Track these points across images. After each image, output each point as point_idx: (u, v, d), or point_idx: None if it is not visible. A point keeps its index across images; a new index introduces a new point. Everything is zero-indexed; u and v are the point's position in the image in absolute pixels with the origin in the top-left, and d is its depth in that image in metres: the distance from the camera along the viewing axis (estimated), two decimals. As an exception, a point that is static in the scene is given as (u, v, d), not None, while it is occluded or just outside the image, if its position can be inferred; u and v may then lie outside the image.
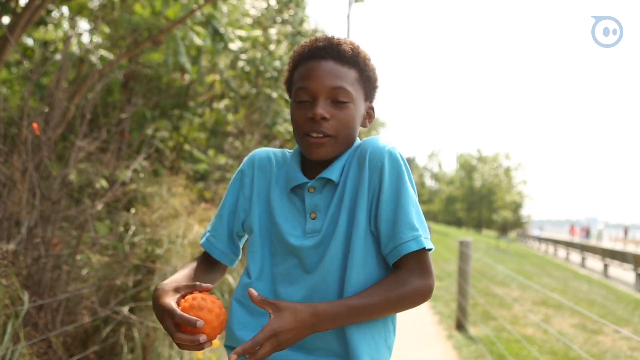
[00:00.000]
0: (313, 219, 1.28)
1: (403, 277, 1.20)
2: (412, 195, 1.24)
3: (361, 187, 1.25)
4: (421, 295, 1.21)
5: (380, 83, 1.37)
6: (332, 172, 1.27)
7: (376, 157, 1.24)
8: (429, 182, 62.27)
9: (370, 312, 1.19)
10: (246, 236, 1.44)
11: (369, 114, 1.37)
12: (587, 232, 46.59)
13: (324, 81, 1.23)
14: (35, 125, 2.94)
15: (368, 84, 1.32)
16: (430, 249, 1.23)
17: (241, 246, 1.45)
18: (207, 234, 1.44)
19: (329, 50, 1.25)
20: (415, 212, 1.23)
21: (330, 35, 1.30)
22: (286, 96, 7.13)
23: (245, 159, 1.41)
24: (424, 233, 1.22)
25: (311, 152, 1.25)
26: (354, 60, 1.27)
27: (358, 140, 1.34)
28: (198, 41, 4.49)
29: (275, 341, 1.10)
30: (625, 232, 48.25)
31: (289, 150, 1.42)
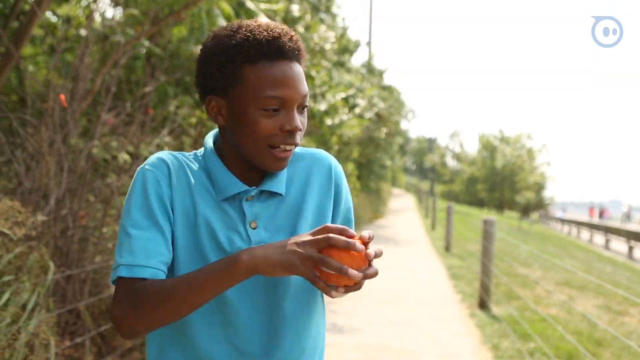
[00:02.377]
0: (254, 228, 1.14)
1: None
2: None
3: (327, 202, 1.23)
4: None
5: None
6: (279, 185, 1.18)
7: (339, 177, 1.26)
8: (451, 162, 61.80)
9: None
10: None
11: None
12: (600, 213, 46.22)
13: (298, 89, 1.10)
14: (62, 96, 2.96)
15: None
16: None
17: None
18: (154, 262, 1.07)
19: (295, 51, 1.12)
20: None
21: (281, 28, 1.12)
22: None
23: (152, 162, 1.14)
24: None
25: (275, 166, 1.13)
26: (303, 56, 1.16)
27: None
28: (222, 22, 4.46)
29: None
30: (601, 214, 47.68)
31: (191, 153, 1.23)
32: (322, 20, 7.44)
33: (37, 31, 5.42)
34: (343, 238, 0.95)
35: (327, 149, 10.64)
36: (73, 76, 3.63)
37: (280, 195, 1.18)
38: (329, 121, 9.34)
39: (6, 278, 2.60)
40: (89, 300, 3.07)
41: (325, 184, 1.23)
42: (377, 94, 14.31)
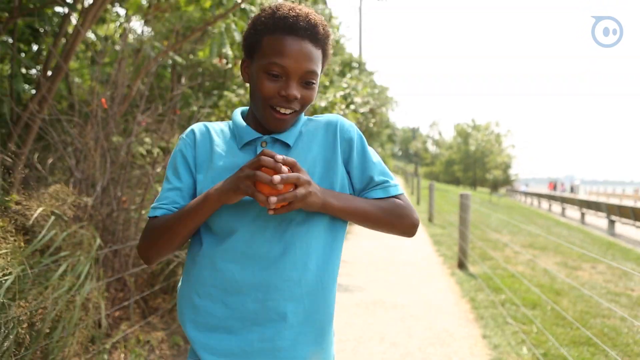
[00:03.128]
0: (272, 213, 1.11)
1: (401, 205, 1.17)
2: (378, 157, 1.23)
3: (334, 154, 1.16)
4: (412, 225, 1.18)
5: (330, 56, 1.22)
6: (289, 137, 1.15)
7: (348, 131, 1.18)
8: (431, 148, 61.56)
9: (367, 217, 1.13)
10: None
11: None
12: (554, 186, 46.06)
13: (300, 63, 1.08)
14: (103, 100, 2.94)
15: (326, 61, 1.19)
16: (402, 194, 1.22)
17: None
18: (166, 205, 1.15)
19: (308, 31, 1.09)
20: (383, 166, 1.21)
21: (305, 12, 1.12)
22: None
23: (185, 132, 1.22)
24: (395, 182, 1.21)
25: (274, 125, 1.12)
26: (324, 41, 1.14)
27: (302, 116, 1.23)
28: (238, 37, 4.41)
29: (310, 186, 1.02)
30: (554, 186, 47.15)
31: (226, 122, 1.25)
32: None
33: (80, 47, 5.39)
34: (265, 158, 0.98)
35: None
36: (112, 84, 3.60)
37: (289, 146, 1.15)
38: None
39: (63, 253, 2.60)
40: (132, 271, 3.07)
41: (331, 140, 1.17)
42: (370, 92, 14.19)
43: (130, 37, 5.18)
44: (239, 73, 6.51)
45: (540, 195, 27.40)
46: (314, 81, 1.12)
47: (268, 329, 1.07)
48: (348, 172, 1.18)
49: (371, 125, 14.06)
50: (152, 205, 1.17)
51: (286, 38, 1.08)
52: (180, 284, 1.20)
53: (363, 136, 1.22)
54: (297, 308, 1.08)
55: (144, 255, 1.15)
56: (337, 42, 9.05)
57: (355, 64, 13.89)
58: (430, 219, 11.53)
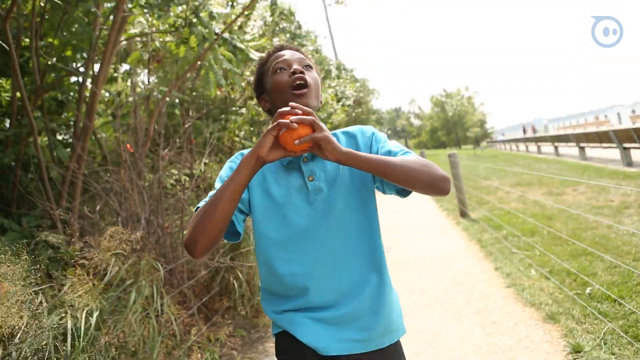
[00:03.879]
0: (311, 180, 1.12)
1: (425, 160, 1.10)
2: (386, 140, 1.22)
3: (359, 149, 1.18)
4: (443, 177, 1.05)
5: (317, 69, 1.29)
6: None
7: (367, 130, 1.23)
8: (415, 122, 61.16)
9: (395, 167, 1.02)
10: (243, 217, 1.17)
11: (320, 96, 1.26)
12: (524, 130, 45.49)
13: (293, 55, 1.19)
14: (128, 146, 2.96)
15: (316, 70, 1.24)
16: None
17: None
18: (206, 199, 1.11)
19: (293, 48, 1.24)
20: (395, 144, 1.18)
21: (287, 43, 1.31)
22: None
23: (233, 158, 1.22)
24: None
25: (298, 100, 1.11)
26: (305, 54, 1.24)
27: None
28: (227, 65, 4.41)
29: (325, 131, 0.98)
30: (524, 130, 46.30)
31: None
32: (302, 45, 7.36)
33: (100, 106, 5.42)
34: (283, 109, 0.99)
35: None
36: (132, 131, 3.62)
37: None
38: (323, 115, 9.31)
39: (128, 282, 2.64)
40: (189, 283, 3.10)
41: (360, 142, 1.20)
42: (357, 88, 14.19)
43: (139, 87, 5.20)
44: (238, 96, 6.52)
45: (516, 140, 27.16)
46: (311, 66, 1.20)
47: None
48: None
49: (357, 113, 14.00)
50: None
51: (277, 52, 1.23)
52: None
53: (375, 130, 1.25)
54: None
55: (191, 241, 0.99)
56: (317, 51, 9.08)
57: (330, 67, 13.85)
58: (427, 182, 11.49)
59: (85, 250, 2.58)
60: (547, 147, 19.87)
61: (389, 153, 1.15)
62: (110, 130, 5.32)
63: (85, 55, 4.52)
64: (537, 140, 20.15)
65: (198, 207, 1.07)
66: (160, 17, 4.08)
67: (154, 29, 4.34)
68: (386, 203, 9.19)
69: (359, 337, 1.09)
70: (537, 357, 2.27)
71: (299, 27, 7.32)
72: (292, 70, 1.14)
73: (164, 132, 3.38)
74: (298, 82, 1.13)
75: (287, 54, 1.20)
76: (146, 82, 5.35)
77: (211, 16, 4.42)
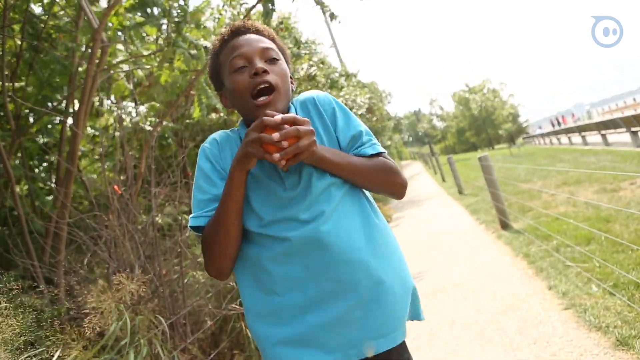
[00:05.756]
0: (286, 171, 1.13)
1: (390, 163, 1.17)
2: (360, 120, 1.24)
3: (326, 126, 1.19)
4: (402, 184, 1.18)
5: (288, 54, 1.26)
6: None
7: (323, 101, 1.21)
8: (438, 124, 60.87)
9: (360, 172, 1.13)
10: None
11: (291, 81, 1.25)
12: (558, 122, 44.57)
13: (254, 45, 1.13)
14: (115, 187, 2.93)
15: (284, 55, 1.22)
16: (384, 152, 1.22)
17: None
18: (209, 213, 1.14)
19: (247, 29, 1.18)
20: (367, 128, 1.22)
21: (247, 22, 1.19)
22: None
23: (207, 140, 1.23)
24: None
25: (259, 112, 1.10)
26: (269, 35, 1.20)
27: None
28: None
29: (313, 135, 1.03)
30: (556, 122, 45.15)
31: (232, 129, 1.27)
32: (299, 55, 7.37)
33: (85, 146, 5.47)
34: (266, 119, 1.00)
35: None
36: (121, 170, 3.60)
37: None
38: None
39: (123, 341, 2.56)
40: (193, 338, 3.01)
41: (318, 114, 1.20)
42: (365, 94, 14.20)
43: (126, 120, 5.23)
44: (236, 118, 6.53)
45: (556, 133, 26.71)
46: (277, 57, 1.15)
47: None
48: (337, 138, 1.19)
49: (372, 123, 13.99)
50: (192, 215, 1.15)
51: (234, 39, 1.16)
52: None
53: (340, 102, 1.24)
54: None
55: (214, 268, 1.11)
56: (323, 62, 9.15)
57: (336, 76, 13.95)
58: (460, 192, 11.29)
59: (73, 310, 2.53)
60: (593, 137, 19.43)
61: (358, 139, 1.18)
62: (97, 171, 5.35)
63: (65, 92, 4.58)
64: (580, 129, 19.76)
65: (194, 226, 1.13)
66: (136, 40, 4.10)
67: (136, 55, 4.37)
68: (414, 219, 9.02)
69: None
70: (612, 394, 2.10)
71: (298, 41, 7.36)
72: (253, 70, 1.10)
73: (155, 167, 3.34)
74: (261, 86, 1.10)
75: (245, 43, 1.14)
76: (134, 114, 5.39)
77: (198, 26, 4.44)
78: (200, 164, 1.18)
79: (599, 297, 3.07)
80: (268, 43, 1.16)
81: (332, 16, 4.16)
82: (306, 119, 1.03)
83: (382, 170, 1.15)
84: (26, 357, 2.05)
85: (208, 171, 1.16)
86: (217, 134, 1.23)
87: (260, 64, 1.11)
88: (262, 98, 1.10)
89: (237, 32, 1.17)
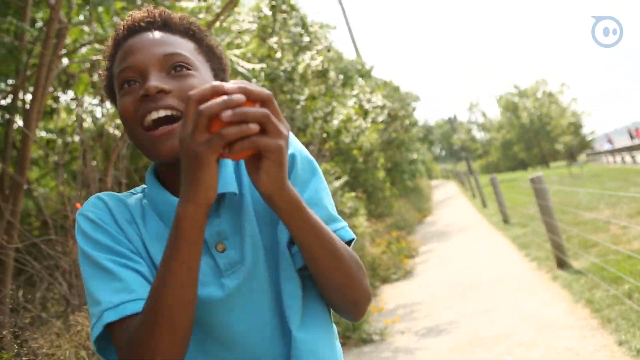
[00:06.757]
0: (221, 251, 0.95)
1: (358, 258, 0.99)
2: (328, 190, 1.06)
3: None
4: (367, 292, 0.99)
5: (226, 63, 1.07)
6: (229, 183, 0.97)
7: (306, 166, 1.02)
8: (479, 135, 61.22)
9: (336, 253, 0.92)
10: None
11: None
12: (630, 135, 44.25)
13: (151, 50, 0.94)
14: (77, 205, 3.02)
15: (213, 57, 1.04)
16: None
17: None
18: (123, 301, 0.87)
19: (155, 24, 0.99)
20: (333, 204, 1.05)
21: (150, 12, 1.01)
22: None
23: (88, 207, 0.98)
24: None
25: (159, 148, 0.92)
26: (187, 29, 1.02)
27: None
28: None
29: (283, 151, 0.78)
30: (631, 135, 44.46)
31: (133, 190, 1.10)
32: (300, 49, 7.58)
33: (37, 152, 5.59)
34: (215, 100, 0.74)
35: (353, 163, 10.66)
36: (82, 183, 3.70)
37: (235, 194, 0.98)
38: (347, 138, 9.40)
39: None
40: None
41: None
42: (383, 91, 14.41)
43: (88, 121, 5.36)
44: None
45: (630, 149, 26.80)
46: (186, 65, 0.95)
47: None
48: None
49: (395, 133, 14.13)
50: (110, 303, 0.86)
51: (128, 41, 0.98)
52: None
53: (313, 161, 1.06)
54: None
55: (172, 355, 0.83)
56: (329, 49, 9.32)
57: (353, 68, 14.16)
58: (505, 220, 11.35)
59: (23, 357, 2.59)
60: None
61: (334, 223, 1.01)
62: (52, 183, 5.47)
63: (11, 82, 4.69)
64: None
65: (132, 316, 0.86)
66: (106, 20, 4.22)
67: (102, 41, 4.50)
68: (446, 254, 9.06)
69: None
70: None
71: (305, 24, 7.57)
72: (143, 88, 0.91)
73: (126, 181, 3.44)
74: (152, 117, 0.91)
75: (139, 47, 0.95)
76: (98, 114, 5.53)
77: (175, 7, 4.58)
78: (91, 235, 0.93)
79: (682, 356, 3.12)
80: (177, 45, 0.97)
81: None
82: (283, 122, 0.80)
83: (355, 263, 0.96)
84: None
85: (108, 242, 0.92)
86: (103, 194, 1.02)
87: (153, 82, 0.91)
88: (163, 127, 0.91)
89: (132, 30, 0.99)
